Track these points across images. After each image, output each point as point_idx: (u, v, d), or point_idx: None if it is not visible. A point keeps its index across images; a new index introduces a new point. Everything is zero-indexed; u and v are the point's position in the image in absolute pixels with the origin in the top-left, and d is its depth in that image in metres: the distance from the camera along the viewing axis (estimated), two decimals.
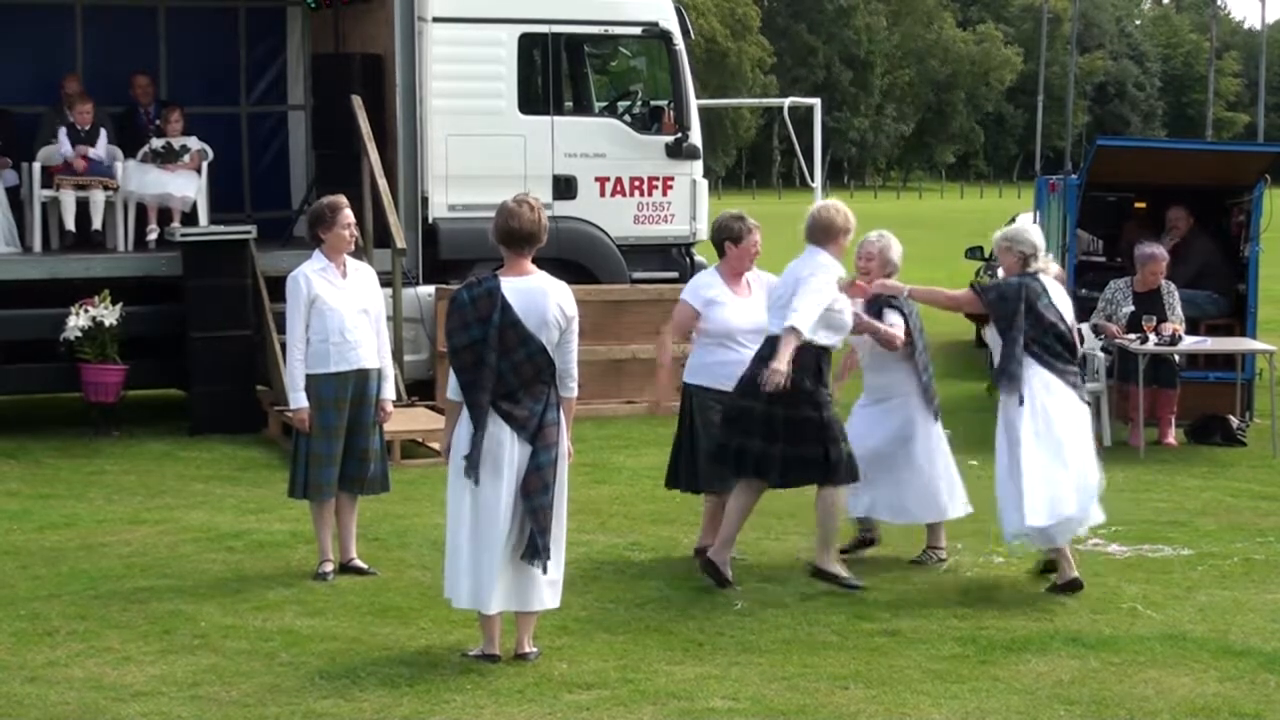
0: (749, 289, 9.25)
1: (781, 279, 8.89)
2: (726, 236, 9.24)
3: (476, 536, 7.45)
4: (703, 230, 15.62)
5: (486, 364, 7.37)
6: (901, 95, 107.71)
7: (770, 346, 8.64)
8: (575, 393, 7.63)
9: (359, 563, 9.20)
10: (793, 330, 8.47)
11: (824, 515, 8.82)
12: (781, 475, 8.73)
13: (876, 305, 9.26)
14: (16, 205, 14.38)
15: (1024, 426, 8.75)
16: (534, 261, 7.63)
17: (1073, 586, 8.78)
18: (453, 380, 7.55)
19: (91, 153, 14.36)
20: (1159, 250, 13.41)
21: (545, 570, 7.46)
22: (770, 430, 8.63)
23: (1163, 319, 13.10)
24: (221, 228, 14.08)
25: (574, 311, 7.53)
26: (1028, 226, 9.37)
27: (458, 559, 7.52)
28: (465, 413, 7.47)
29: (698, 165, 15.70)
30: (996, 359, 9.01)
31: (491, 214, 7.64)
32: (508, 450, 7.39)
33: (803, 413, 8.61)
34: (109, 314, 13.31)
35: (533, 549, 7.39)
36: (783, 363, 8.44)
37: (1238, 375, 13.94)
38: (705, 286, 9.25)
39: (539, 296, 7.44)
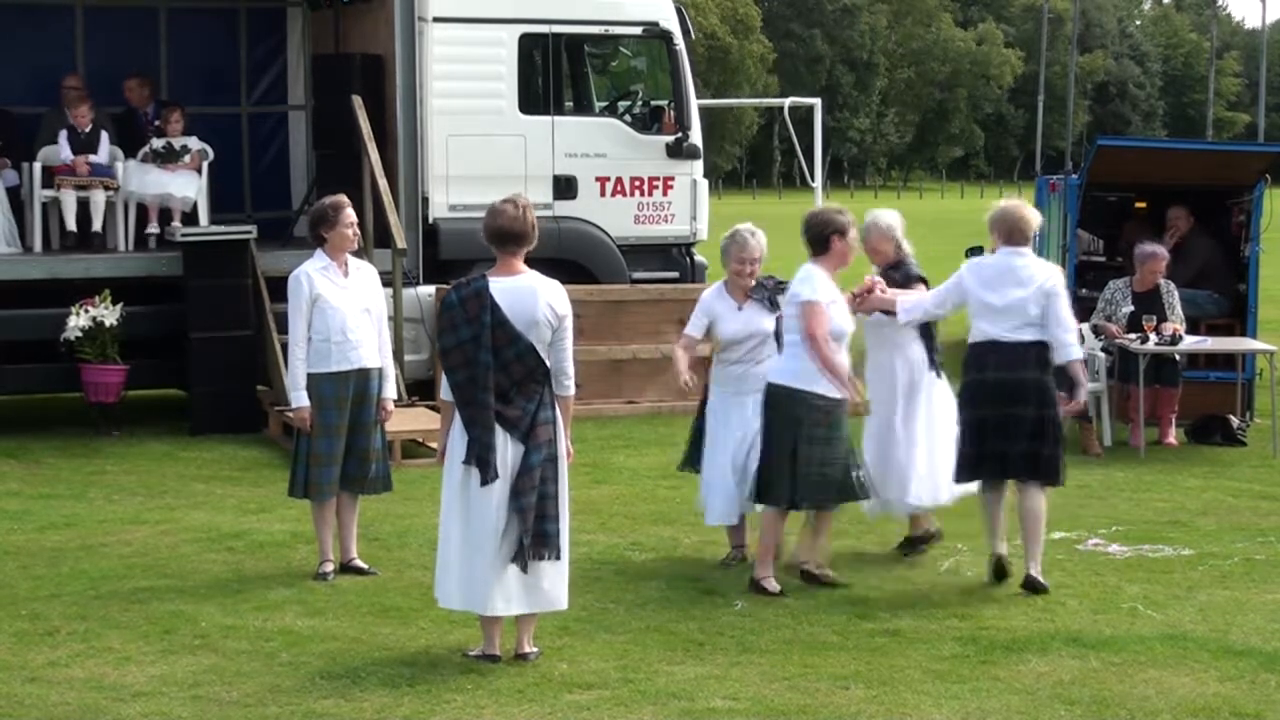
0: None
1: (997, 283, 8.76)
2: (835, 231, 8.69)
3: (469, 538, 7.45)
4: (703, 230, 15.64)
5: (477, 364, 7.37)
6: (902, 97, 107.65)
7: (1000, 352, 8.72)
8: (572, 391, 7.62)
9: (359, 563, 9.20)
10: (1079, 360, 8.76)
11: (1036, 519, 8.80)
12: (1030, 473, 8.79)
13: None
14: (17, 205, 14.37)
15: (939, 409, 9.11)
16: (535, 261, 7.63)
17: (935, 537, 9.50)
18: (445, 381, 7.57)
19: (93, 158, 14.35)
20: (1158, 249, 13.41)
21: (525, 570, 7.42)
22: (1020, 429, 8.72)
23: (1163, 319, 13.10)
24: (222, 228, 14.08)
25: (566, 310, 7.51)
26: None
27: (448, 560, 7.54)
28: (458, 414, 7.48)
29: (698, 165, 15.69)
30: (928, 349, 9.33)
31: None
32: (500, 451, 7.40)
33: (1046, 412, 8.72)
34: (109, 314, 13.31)
35: (519, 550, 7.38)
36: (1084, 390, 8.73)
37: (1238, 375, 13.94)
38: (825, 287, 8.62)
39: (527, 296, 7.43)
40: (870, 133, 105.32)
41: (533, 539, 7.39)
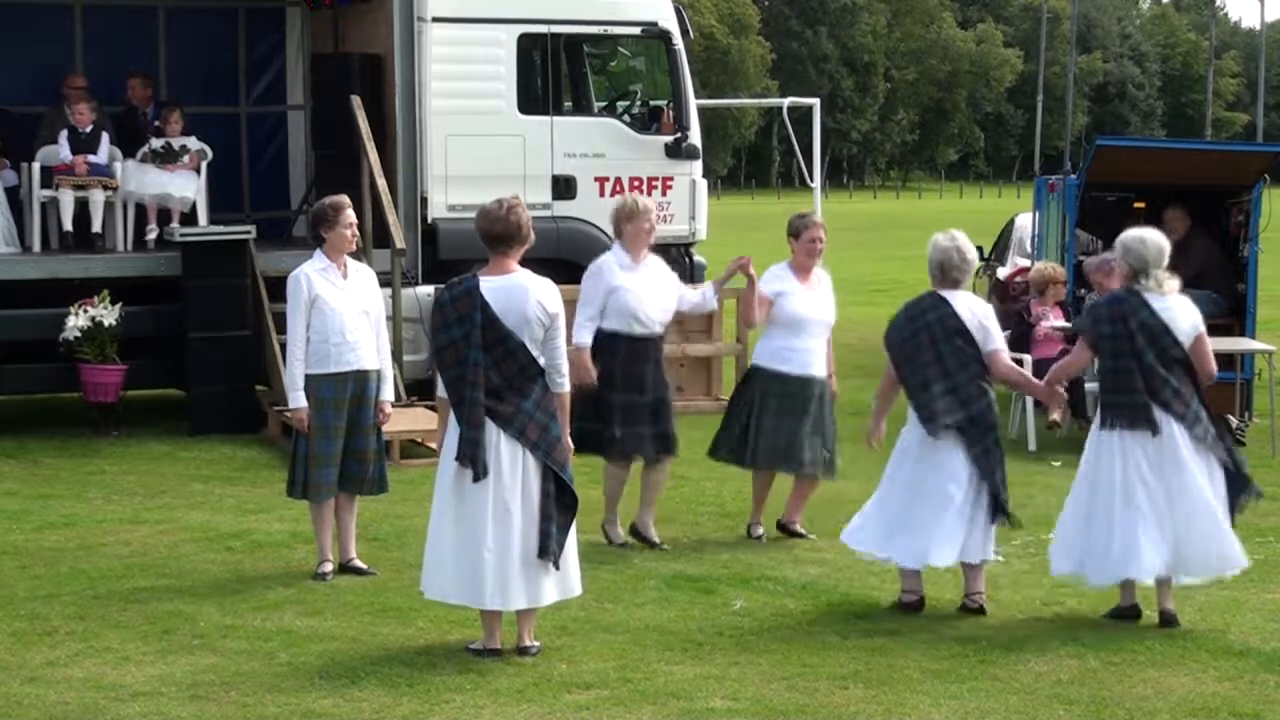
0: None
1: None
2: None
3: (463, 534, 7.50)
4: (702, 230, 15.62)
5: (468, 362, 7.42)
6: (905, 98, 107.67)
7: None
8: (566, 388, 7.68)
9: (358, 563, 9.20)
10: None
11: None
12: None
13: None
14: (16, 205, 14.37)
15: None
16: (535, 261, 7.68)
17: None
18: (440, 379, 7.60)
19: (92, 158, 14.34)
20: (1090, 261, 13.49)
21: (558, 566, 7.53)
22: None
23: None
24: (221, 228, 14.07)
25: (557, 308, 7.57)
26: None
27: (440, 556, 7.60)
28: (451, 411, 7.53)
29: (697, 165, 15.68)
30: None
31: None
32: (493, 447, 7.44)
33: None
34: (108, 314, 13.30)
35: (548, 546, 7.47)
36: None
37: (1237, 375, 13.93)
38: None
39: (518, 294, 7.49)
40: (876, 131, 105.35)
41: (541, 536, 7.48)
